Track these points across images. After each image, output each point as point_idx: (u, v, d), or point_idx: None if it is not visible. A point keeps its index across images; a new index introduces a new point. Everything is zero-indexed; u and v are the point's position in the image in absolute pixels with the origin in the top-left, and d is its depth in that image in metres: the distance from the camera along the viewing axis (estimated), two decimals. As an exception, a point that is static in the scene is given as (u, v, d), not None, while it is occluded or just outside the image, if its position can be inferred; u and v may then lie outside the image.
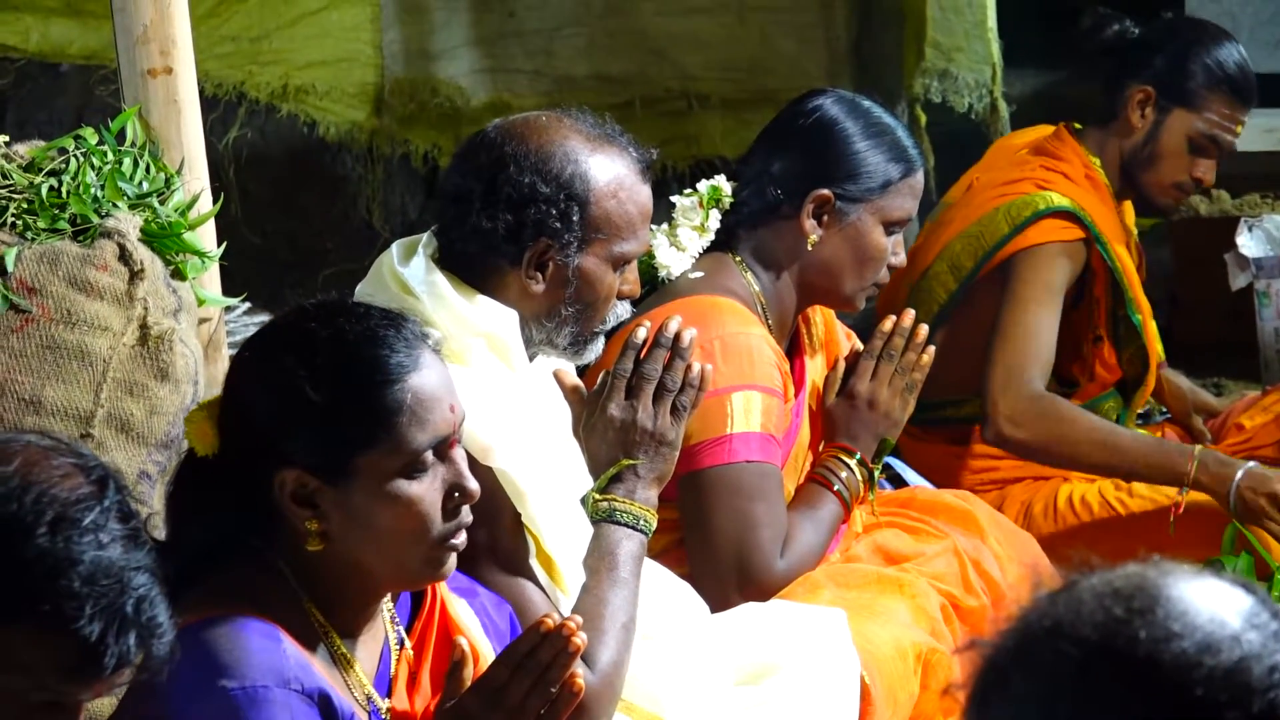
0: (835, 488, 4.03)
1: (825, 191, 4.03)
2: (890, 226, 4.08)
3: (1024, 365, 4.56)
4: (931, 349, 4.04)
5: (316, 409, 2.92)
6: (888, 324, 4.04)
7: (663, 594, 3.65)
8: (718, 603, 3.77)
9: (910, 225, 4.76)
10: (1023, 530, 4.30)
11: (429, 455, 2.92)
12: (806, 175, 4.04)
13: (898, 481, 4.48)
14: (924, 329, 4.04)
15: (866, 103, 4.19)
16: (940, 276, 4.73)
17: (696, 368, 3.54)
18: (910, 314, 4.04)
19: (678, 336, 3.52)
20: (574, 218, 3.46)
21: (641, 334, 3.53)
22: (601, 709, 3.33)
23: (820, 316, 4.20)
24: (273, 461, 2.94)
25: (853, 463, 4.05)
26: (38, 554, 2.49)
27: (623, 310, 3.56)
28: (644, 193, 3.54)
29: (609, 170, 3.48)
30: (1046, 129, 4.90)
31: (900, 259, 4.11)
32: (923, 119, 6.21)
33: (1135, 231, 5.00)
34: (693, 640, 3.66)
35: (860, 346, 4.05)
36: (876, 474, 3.98)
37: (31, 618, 2.48)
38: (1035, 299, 4.61)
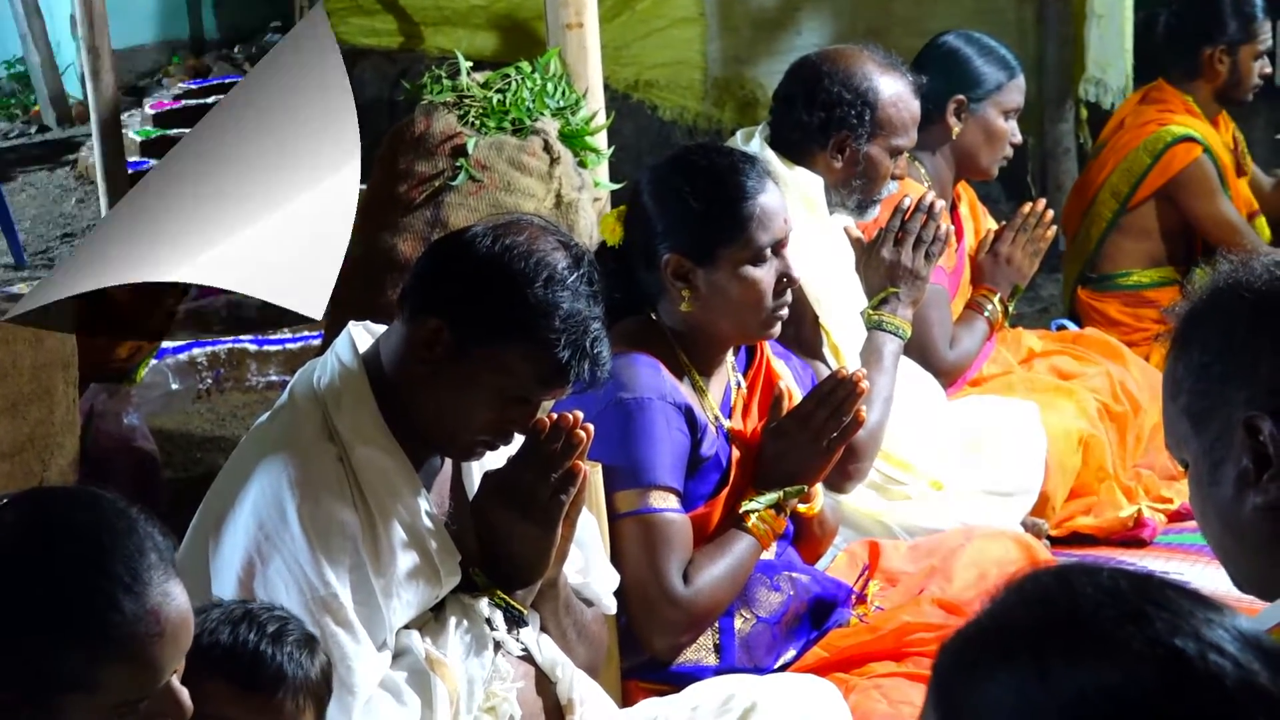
0: (986, 312, 4.81)
1: (961, 96, 4.90)
2: (1007, 114, 4.92)
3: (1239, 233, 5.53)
4: (1054, 227, 4.90)
5: (695, 213, 3.52)
6: (1025, 208, 4.90)
7: (913, 386, 4.39)
8: None
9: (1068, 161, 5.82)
10: (1153, 367, 5.13)
11: (768, 251, 3.53)
12: (944, 88, 4.80)
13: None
14: (1050, 213, 4.91)
15: (976, 33, 5.00)
16: (1107, 201, 5.77)
17: (945, 226, 4.28)
18: (1042, 202, 4.94)
19: (932, 205, 4.29)
20: (866, 118, 4.24)
21: (907, 202, 4.28)
22: (867, 453, 4.03)
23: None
24: (661, 249, 3.53)
25: (995, 300, 4.84)
26: (534, 300, 2.88)
27: (893, 185, 4.32)
28: (915, 104, 4.31)
29: (891, 87, 4.28)
30: (1153, 84, 5.93)
31: (1019, 138, 4.95)
32: (1084, 113, 7.21)
33: (1241, 139, 6.00)
34: (931, 417, 4.41)
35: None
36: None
37: (525, 342, 2.89)
38: (1211, 198, 5.65)
